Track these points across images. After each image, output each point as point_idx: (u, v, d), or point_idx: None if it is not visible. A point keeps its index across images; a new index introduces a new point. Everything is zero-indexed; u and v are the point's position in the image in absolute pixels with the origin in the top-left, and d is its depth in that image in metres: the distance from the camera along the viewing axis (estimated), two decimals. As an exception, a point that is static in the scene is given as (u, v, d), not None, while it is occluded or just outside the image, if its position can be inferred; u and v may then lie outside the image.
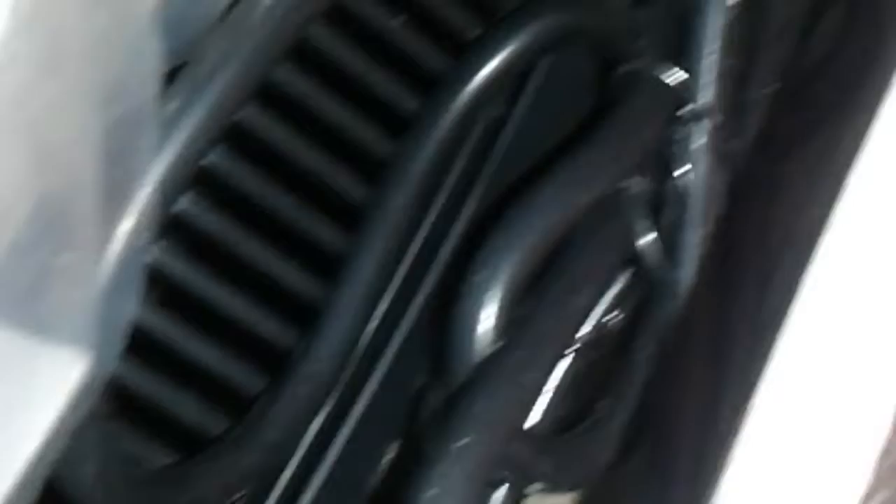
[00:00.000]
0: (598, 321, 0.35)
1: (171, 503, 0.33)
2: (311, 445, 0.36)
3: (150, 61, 0.26)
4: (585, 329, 0.35)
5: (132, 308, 0.29)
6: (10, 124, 0.24)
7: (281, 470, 0.36)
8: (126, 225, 0.28)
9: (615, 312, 0.36)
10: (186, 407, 0.35)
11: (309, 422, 0.36)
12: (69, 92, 0.25)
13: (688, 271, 0.35)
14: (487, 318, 0.32)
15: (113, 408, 0.31)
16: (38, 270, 0.27)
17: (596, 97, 0.37)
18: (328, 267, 0.36)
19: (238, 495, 0.35)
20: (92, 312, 0.27)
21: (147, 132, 0.28)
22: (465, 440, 0.31)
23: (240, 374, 0.35)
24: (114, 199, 0.28)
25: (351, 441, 0.37)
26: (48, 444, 0.27)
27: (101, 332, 0.27)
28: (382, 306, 0.37)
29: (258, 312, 0.35)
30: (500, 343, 0.32)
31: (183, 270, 0.34)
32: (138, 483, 0.33)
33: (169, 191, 0.29)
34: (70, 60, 0.25)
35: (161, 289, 0.34)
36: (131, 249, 0.28)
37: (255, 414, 0.35)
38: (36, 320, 0.27)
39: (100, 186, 0.27)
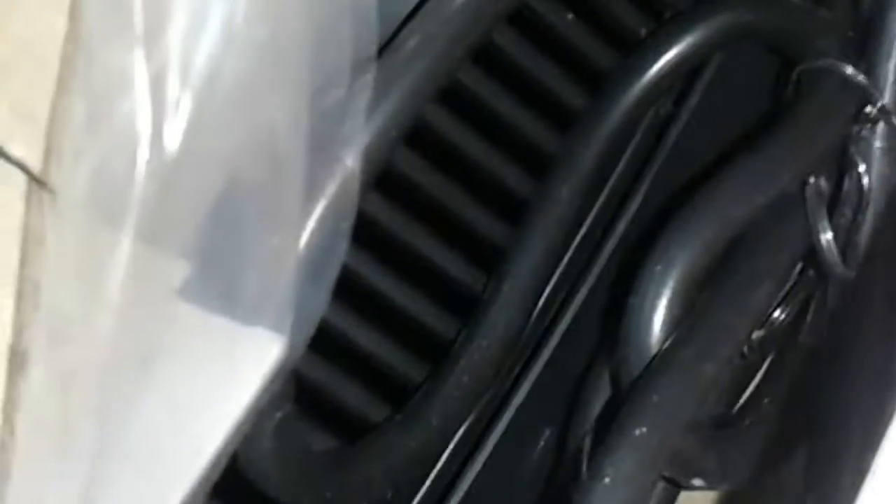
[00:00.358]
0: (769, 318, 0.36)
1: (339, 484, 0.34)
2: (469, 431, 0.37)
3: (366, 49, 0.27)
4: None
5: (325, 297, 0.29)
6: (231, 107, 0.25)
7: (441, 454, 0.37)
8: (325, 212, 0.29)
9: (783, 310, 0.36)
10: (351, 394, 0.36)
11: (471, 409, 0.36)
12: (287, 79, 0.26)
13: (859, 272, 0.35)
14: (665, 309, 0.32)
15: (288, 391, 0.32)
16: (245, 253, 0.27)
17: (769, 95, 0.37)
18: (493, 259, 0.37)
19: (403, 478, 0.36)
20: (291, 298, 0.28)
21: (352, 121, 0.29)
22: (643, 429, 0.31)
23: (404, 363, 0.36)
24: (315, 186, 0.29)
25: (509, 429, 0.37)
26: (243, 422, 0.28)
27: (296, 318, 0.28)
28: (546, 296, 0.38)
29: (423, 302, 0.36)
30: (677, 334, 0.33)
31: (352, 259, 0.35)
32: (310, 464, 0.33)
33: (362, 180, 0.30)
34: (289, 47, 0.26)
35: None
36: (329, 237, 0.29)
37: (419, 400, 0.36)
38: (240, 303, 0.28)
39: (305, 173, 0.28)
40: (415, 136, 0.35)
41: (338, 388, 0.35)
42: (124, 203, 0.24)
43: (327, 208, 0.28)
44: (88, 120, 0.23)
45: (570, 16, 0.38)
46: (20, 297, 0.26)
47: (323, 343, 0.35)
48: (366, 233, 0.36)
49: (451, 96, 0.36)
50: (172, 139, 0.23)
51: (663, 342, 0.33)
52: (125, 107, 0.22)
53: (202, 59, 0.23)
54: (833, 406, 0.38)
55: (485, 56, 0.36)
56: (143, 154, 0.23)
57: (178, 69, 0.22)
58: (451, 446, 0.37)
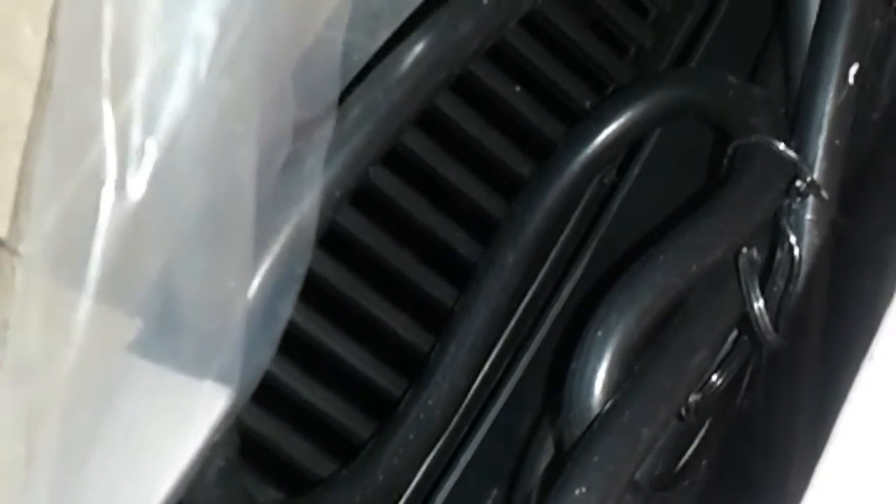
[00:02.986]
0: (705, 382, 0.37)
1: None
2: (417, 490, 0.38)
3: (325, 103, 0.28)
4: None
5: (272, 347, 0.30)
6: (193, 159, 0.26)
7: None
8: (276, 262, 0.30)
9: (720, 374, 0.37)
10: (298, 448, 0.36)
11: (417, 467, 0.37)
12: (247, 132, 0.27)
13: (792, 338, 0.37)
14: (605, 373, 0.33)
15: (231, 441, 0.33)
16: (196, 306, 0.28)
17: (705, 168, 0.39)
18: (440, 321, 0.38)
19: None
20: (239, 348, 0.29)
21: (309, 174, 0.29)
22: (583, 489, 0.32)
23: (351, 419, 0.37)
24: (268, 237, 0.30)
25: (457, 487, 0.38)
26: (191, 469, 0.29)
27: (243, 367, 0.29)
28: (492, 359, 0.39)
29: (371, 361, 0.37)
30: (616, 398, 0.33)
31: (302, 317, 0.36)
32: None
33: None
34: (251, 102, 0.27)
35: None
36: (279, 288, 0.30)
37: (365, 456, 0.36)
38: (189, 356, 0.28)
39: (256, 225, 0.28)
40: (363, 196, 0.37)
41: (285, 442, 0.36)
42: (85, 259, 0.24)
43: (278, 259, 0.29)
44: (55, 170, 0.24)
45: (517, 87, 0.39)
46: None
47: (271, 398, 0.36)
48: (316, 291, 0.37)
49: (400, 162, 0.37)
50: (136, 189, 0.24)
51: (603, 405, 0.34)
52: (90, 156, 0.23)
53: (167, 111, 0.24)
54: (769, 469, 0.39)
55: (433, 124, 0.38)
56: (107, 203, 0.23)
57: (143, 119, 0.23)
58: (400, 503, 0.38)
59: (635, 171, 0.39)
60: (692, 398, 0.37)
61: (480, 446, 0.38)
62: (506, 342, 0.39)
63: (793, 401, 0.37)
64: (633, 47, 0.41)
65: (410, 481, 0.37)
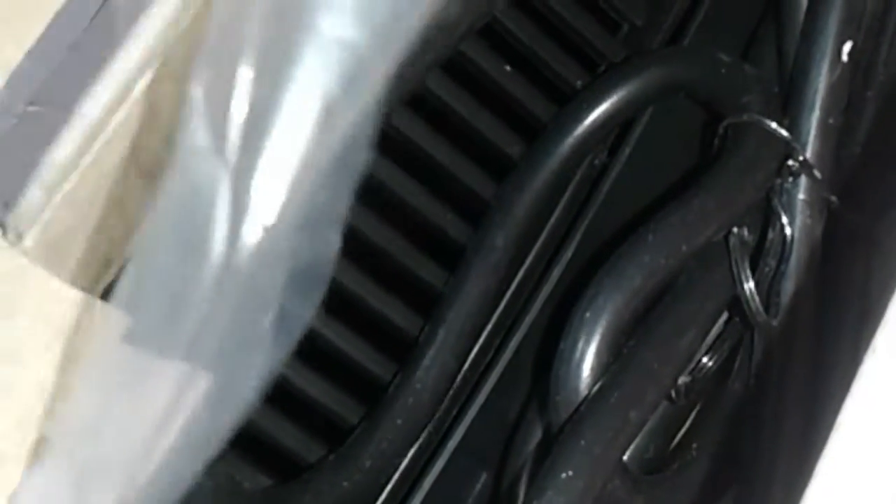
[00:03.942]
0: (695, 365, 0.36)
1: None
2: (405, 474, 0.37)
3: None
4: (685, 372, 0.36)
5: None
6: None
7: (375, 495, 0.37)
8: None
9: (710, 357, 0.37)
10: (286, 433, 0.36)
11: (405, 451, 0.37)
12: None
13: (783, 320, 0.36)
14: (593, 355, 0.33)
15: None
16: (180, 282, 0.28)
17: (697, 148, 0.39)
18: (429, 304, 0.38)
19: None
20: (223, 333, 0.29)
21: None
22: (570, 472, 0.32)
23: (339, 404, 0.37)
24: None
25: (445, 471, 0.37)
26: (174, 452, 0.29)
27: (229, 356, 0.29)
28: (481, 342, 0.38)
29: (359, 345, 0.37)
30: (604, 380, 0.33)
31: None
32: (240, 501, 0.34)
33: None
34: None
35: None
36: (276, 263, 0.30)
37: (353, 441, 0.36)
38: (166, 337, 0.28)
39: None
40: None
41: (272, 427, 0.36)
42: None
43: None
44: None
45: (507, 67, 0.39)
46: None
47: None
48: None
49: (388, 143, 0.37)
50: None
51: (591, 387, 0.33)
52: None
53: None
54: (759, 452, 0.38)
55: (422, 104, 0.37)
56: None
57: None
58: (387, 488, 0.37)
59: (626, 151, 0.38)
60: (682, 380, 0.37)
61: (469, 430, 0.37)
62: (495, 325, 0.38)
63: (783, 384, 0.37)
64: (625, 25, 0.41)
65: (399, 465, 0.37)
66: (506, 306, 0.38)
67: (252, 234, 0.26)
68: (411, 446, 0.37)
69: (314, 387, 0.36)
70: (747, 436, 0.38)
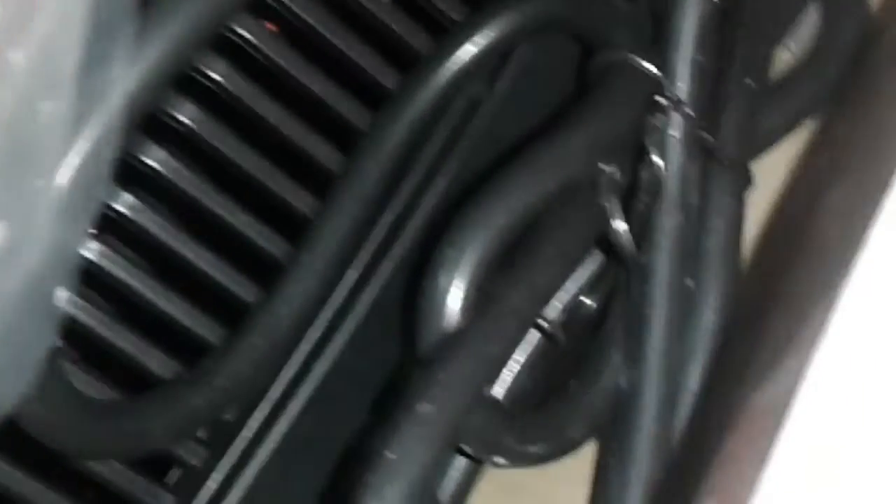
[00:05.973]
0: (570, 304, 0.36)
1: (111, 433, 0.34)
2: (274, 405, 0.37)
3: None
4: (556, 310, 0.36)
5: (83, 235, 0.29)
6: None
7: (241, 425, 0.37)
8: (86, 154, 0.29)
9: (587, 297, 0.37)
10: (144, 353, 0.35)
11: (267, 376, 0.37)
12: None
13: (659, 259, 0.36)
14: (457, 291, 0.33)
15: (67, 346, 0.33)
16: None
17: (573, 84, 0.38)
18: (298, 231, 0.37)
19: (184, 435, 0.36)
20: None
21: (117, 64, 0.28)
22: (427, 406, 0.32)
23: (200, 324, 0.36)
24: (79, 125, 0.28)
25: (313, 400, 0.37)
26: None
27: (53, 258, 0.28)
28: (351, 274, 0.38)
29: (223, 267, 0.36)
30: (466, 316, 0.33)
31: (147, 220, 0.35)
32: (81, 409, 0.33)
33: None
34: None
35: (122, 235, 0.35)
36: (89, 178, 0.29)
37: (209, 360, 0.36)
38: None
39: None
40: (217, 100, 0.35)
41: (122, 342, 0.35)
42: None
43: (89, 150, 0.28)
44: None
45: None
46: None
47: (118, 303, 0.35)
48: (169, 196, 0.36)
49: (262, 70, 0.36)
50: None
51: (453, 323, 0.33)
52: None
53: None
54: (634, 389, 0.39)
55: (295, 32, 0.37)
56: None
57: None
58: (256, 416, 0.37)
59: (504, 85, 0.38)
60: (558, 317, 0.37)
61: (338, 358, 0.37)
62: (365, 256, 0.38)
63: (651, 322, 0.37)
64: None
65: (263, 391, 0.36)
66: (374, 238, 0.38)
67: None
68: (275, 371, 0.36)
69: (174, 308, 0.35)
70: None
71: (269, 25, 0.37)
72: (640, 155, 0.36)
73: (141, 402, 0.34)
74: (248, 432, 0.37)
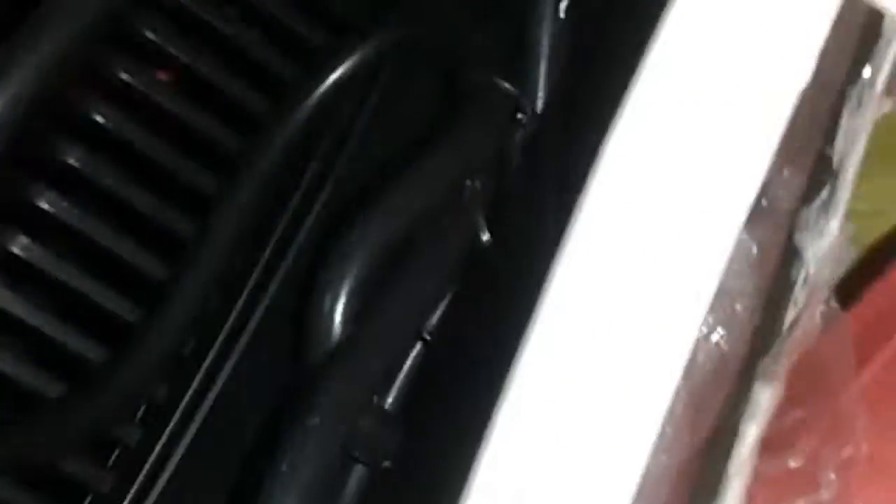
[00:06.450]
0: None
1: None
2: (175, 424, 0.39)
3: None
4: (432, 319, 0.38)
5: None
6: None
7: (149, 445, 0.39)
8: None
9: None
10: (26, 371, 0.37)
11: (147, 395, 0.38)
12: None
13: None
14: (339, 307, 0.35)
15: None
16: None
17: (437, 105, 0.40)
18: (177, 252, 0.39)
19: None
20: None
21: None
22: (316, 419, 0.33)
23: (81, 345, 0.37)
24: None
25: (210, 418, 0.39)
26: None
27: None
28: (236, 291, 0.40)
29: (103, 289, 0.37)
30: (348, 331, 0.35)
31: (31, 250, 0.36)
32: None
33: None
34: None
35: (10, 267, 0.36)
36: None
37: (93, 380, 0.37)
38: None
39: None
40: (100, 136, 0.37)
41: (15, 367, 0.36)
42: None
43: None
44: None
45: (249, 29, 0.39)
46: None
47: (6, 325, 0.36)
48: (45, 222, 0.36)
49: (131, 99, 0.37)
50: None
51: (337, 338, 0.35)
52: None
53: None
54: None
55: (166, 66, 0.38)
56: None
57: None
58: (161, 441, 0.38)
59: (370, 109, 0.40)
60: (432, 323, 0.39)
61: (230, 379, 0.39)
62: (250, 274, 0.40)
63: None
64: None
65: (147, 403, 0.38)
66: (257, 257, 0.40)
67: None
68: (156, 386, 0.38)
69: (55, 330, 0.37)
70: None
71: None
72: (504, 169, 0.38)
73: (24, 427, 0.36)
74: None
